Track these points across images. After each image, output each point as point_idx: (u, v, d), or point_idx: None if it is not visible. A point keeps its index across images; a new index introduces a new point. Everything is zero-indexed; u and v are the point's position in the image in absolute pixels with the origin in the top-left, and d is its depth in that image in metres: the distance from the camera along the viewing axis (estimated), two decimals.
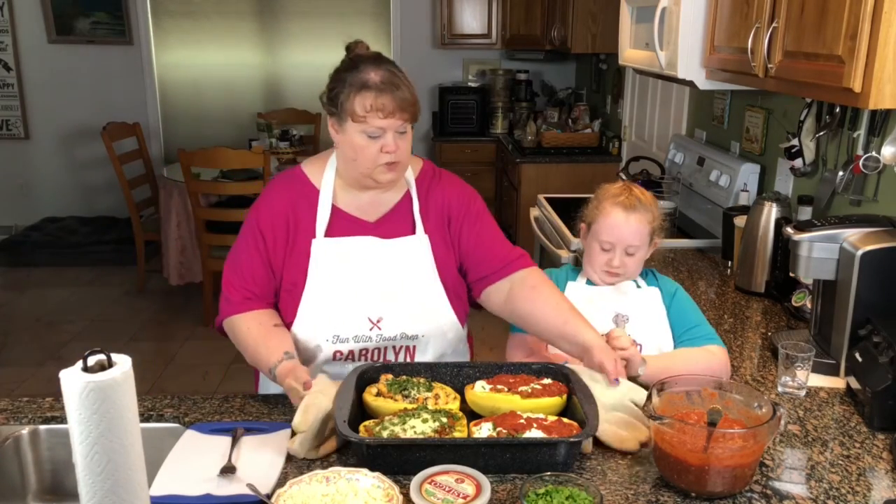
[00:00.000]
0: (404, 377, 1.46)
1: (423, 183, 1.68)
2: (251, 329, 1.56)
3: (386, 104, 1.48)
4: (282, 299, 1.63)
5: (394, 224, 1.64)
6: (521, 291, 1.63)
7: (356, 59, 1.55)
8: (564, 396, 1.42)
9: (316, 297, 1.59)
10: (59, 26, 5.78)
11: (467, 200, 1.70)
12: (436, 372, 1.51)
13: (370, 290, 1.60)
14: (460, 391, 1.46)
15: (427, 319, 1.63)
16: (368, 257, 1.60)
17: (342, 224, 1.62)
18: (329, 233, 1.61)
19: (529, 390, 1.41)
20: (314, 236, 1.60)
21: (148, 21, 5.83)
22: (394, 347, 1.63)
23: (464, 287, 1.71)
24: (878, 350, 1.49)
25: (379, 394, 1.41)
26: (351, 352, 1.61)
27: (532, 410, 1.37)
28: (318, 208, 1.61)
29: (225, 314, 1.61)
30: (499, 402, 1.39)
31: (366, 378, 1.46)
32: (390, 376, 1.46)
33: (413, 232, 1.64)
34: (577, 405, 1.35)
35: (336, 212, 1.62)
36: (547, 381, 1.46)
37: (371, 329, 1.60)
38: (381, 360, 1.63)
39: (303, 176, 1.66)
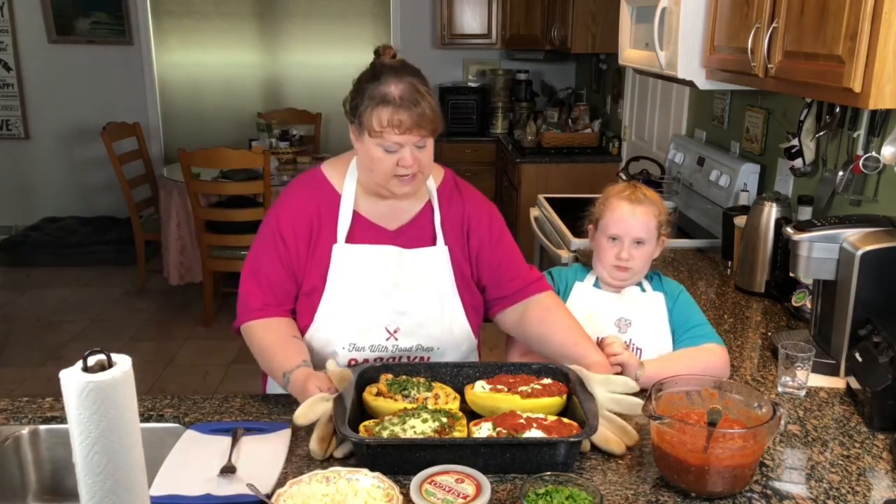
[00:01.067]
0: (404, 377, 1.46)
1: (444, 193, 1.67)
2: (269, 336, 1.55)
3: (403, 120, 1.46)
4: (299, 303, 1.62)
5: (414, 234, 1.63)
6: (536, 313, 1.64)
7: (378, 70, 1.51)
8: (564, 396, 1.42)
9: (334, 304, 1.58)
10: (59, 26, 5.78)
11: (488, 217, 1.69)
12: (436, 372, 1.51)
13: (389, 300, 1.59)
14: (460, 391, 1.46)
15: (444, 331, 1.63)
16: (389, 266, 1.59)
17: (363, 231, 1.61)
18: (350, 239, 1.60)
19: (529, 390, 1.40)
20: (335, 241, 1.59)
21: (148, 21, 5.83)
22: (409, 358, 1.63)
23: (480, 300, 1.71)
24: (878, 350, 1.49)
25: (379, 393, 1.41)
26: (366, 360, 1.60)
27: (532, 410, 1.36)
28: (339, 213, 1.60)
29: (243, 319, 1.60)
30: (498, 403, 1.39)
31: (366, 378, 1.46)
32: (390, 376, 1.46)
33: (433, 243, 1.63)
34: (577, 405, 1.35)
35: (357, 218, 1.61)
36: (547, 380, 1.46)
37: (388, 339, 1.60)
38: None
39: (324, 179, 1.64)
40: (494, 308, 1.71)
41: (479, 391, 1.42)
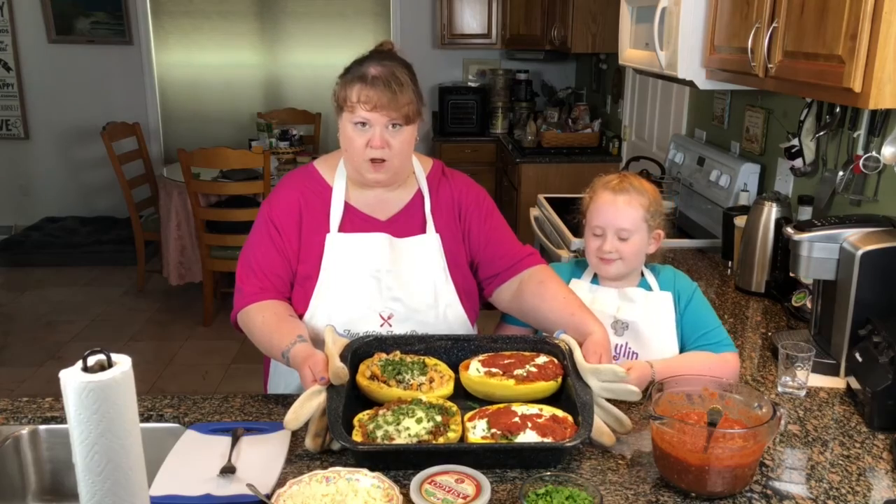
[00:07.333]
0: (398, 356, 1.47)
1: (433, 181, 1.70)
2: (266, 317, 1.55)
3: (371, 96, 1.50)
4: (294, 292, 1.64)
5: (405, 223, 1.66)
6: (529, 287, 1.64)
7: (368, 55, 1.59)
8: (559, 379, 1.43)
9: (328, 291, 1.60)
10: (59, 26, 5.78)
11: (477, 196, 1.73)
12: (430, 345, 1.51)
13: (382, 286, 1.61)
14: (455, 366, 1.47)
15: (438, 318, 1.64)
16: (381, 254, 1.62)
17: (355, 221, 1.64)
18: (342, 229, 1.63)
19: (525, 374, 1.41)
20: (328, 231, 1.62)
21: (148, 21, 5.83)
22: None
23: (474, 286, 1.72)
24: (878, 350, 1.49)
25: (373, 377, 1.41)
26: None
27: (526, 395, 1.38)
28: (331, 205, 1.63)
29: (239, 306, 1.60)
30: (493, 388, 1.41)
31: (359, 354, 1.48)
32: (384, 355, 1.47)
33: (424, 231, 1.66)
34: (571, 387, 1.37)
35: (349, 209, 1.64)
36: (542, 359, 1.46)
37: (382, 325, 1.61)
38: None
39: (316, 173, 1.68)
40: (489, 287, 1.72)
41: (474, 374, 1.43)
